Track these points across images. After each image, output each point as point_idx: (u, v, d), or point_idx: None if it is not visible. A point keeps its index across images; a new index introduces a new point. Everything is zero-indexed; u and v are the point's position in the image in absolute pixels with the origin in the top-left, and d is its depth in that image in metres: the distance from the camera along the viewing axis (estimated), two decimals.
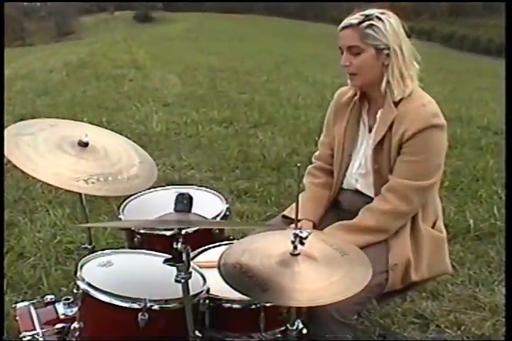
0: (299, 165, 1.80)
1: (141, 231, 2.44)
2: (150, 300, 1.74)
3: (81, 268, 1.91)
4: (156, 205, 2.42)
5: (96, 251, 2.40)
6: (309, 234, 1.66)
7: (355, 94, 2.46)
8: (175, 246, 1.59)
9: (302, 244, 1.66)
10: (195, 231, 2.34)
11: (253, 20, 64.39)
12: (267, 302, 1.81)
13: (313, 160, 2.73)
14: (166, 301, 1.78)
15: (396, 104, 2.28)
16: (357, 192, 2.48)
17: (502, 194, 5.05)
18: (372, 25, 2.21)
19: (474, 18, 62.44)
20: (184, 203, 1.56)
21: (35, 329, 2.16)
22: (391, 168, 2.32)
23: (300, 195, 2.55)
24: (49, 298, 2.38)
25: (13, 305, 2.76)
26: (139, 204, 2.72)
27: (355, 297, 2.09)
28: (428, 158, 2.26)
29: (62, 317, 2.24)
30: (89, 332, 1.87)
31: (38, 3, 71.10)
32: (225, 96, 10.26)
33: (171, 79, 12.53)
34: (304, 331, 1.92)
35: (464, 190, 5.03)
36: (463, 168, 5.74)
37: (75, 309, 2.25)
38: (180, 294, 1.73)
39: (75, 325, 1.89)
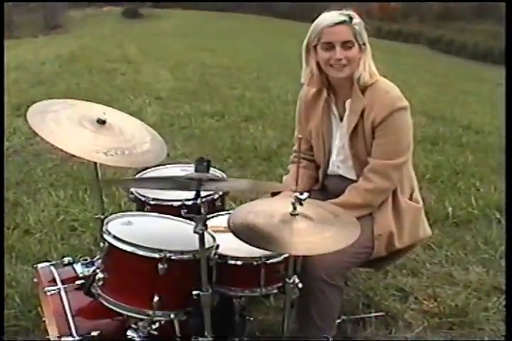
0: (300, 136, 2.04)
1: (152, 202, 2.70)
2: (169, 251, 2.00)
3: (106, 224, 2.17)
4: None
5: None
6: (308, 196, 1.93)
7: (318, 91, 2.71)
8: (195, 201, 1.86)
9: (301, 204, 1.93)
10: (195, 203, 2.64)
11: (242, 18, 64.45)
12: (272, 251, 2.07)
13: (293, 154, 2.97)
14: (183, 252, 2.04)
15: (362, 92, 2.55)
16: (340, 177, 2.76)
17: (479, 186, 5.39)
18: (359, 23, 2.48)
19: (462, 22, 63.05)
20: (203, 165, 1.82)
21: (56, 284, 2.41)
22: (368, 151, 2.59)
23: (284, 177, 2.86)
24: (66, 259, 2.62)
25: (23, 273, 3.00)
26: None
27: (342, 261, 2.40)
28: (399, 138, 2.53)
29: (80, 275, 2.48)
30: (113, 280, 2.12)
31: None
32: (217, 92, 10.50)
33: (162, 73, 12.74)
34: (300, 285, 2.18)
35: (444, 182, 5.33)
36: (444, 163, 6.06)
37: (92, 268, 2.51)
38: (194, 248, 2.00)
39: (99, 275, 2.14)
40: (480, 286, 3.48)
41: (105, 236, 2.10)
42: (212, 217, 2.56)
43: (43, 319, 2.82)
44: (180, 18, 53.86)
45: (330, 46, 2.47)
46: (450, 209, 4.58)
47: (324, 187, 2.84)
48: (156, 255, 2.00)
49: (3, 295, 3.16)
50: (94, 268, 2.52)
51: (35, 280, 2.74)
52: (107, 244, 2.09)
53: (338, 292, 2.50)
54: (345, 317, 2.87)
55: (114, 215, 2.33)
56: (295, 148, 2.95)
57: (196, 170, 1.83)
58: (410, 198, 2.68)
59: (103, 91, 9.83)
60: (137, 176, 2.94)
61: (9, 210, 4.42)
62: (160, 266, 1.99)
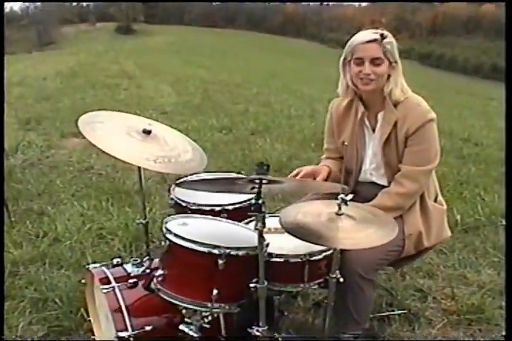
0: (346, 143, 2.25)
1: (193, 207, 2.89)
2: (227, 247, 2.20)
3: (165, 224, 2.37)
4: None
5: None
6: (352, 197, 2.14)
7: (350, 103, 2.94)
8: (256, 201, 2.07)
9: (346, 204, 2.13)
10: (236, 208, 2.85)
11: (233, 34, 65.15)
12: (323, 245, 2.26)
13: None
14: (240, 248, 2.24)
15: (395, 106, 2.78)
16: (372, 183, 2.97)
17: (484, 195, 5.63)
18: (390, 42, 2.71)
19: (451, 37, 63.93)
20: (264, 168, 2.02)
21: (110, 283, 2.59)
22: (399, 158, 2.81)
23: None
24: (115, 261, 2.80)
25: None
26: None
27: (376, 258, 2.60)
28: (429, 146, 2.76)
29: (132, 274, 2.67)
30: (173, 276, 2.30)
31: (20, 12, 71.28)
32: (220, 106, 10.76)
33: (164, 89, 12.98)
34: (341, 280, 2.38)
35: (451, 192, 5.55)
36: (448, 174, 6.28)
37: (142, 269, 2.70)
38: (247, 245, 2.20)
39: (160, 272, 2.33)
40: (493, 287, 3.69)
41: (167, 234, 2.29)
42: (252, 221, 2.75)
43: (88, 319, 3.01)
44: (173, 33, 54.35)
45: (360, 61, 2.69)
46: (459, 217, 4.80)
47: (355, 193, 3.04)
48: (216, 251, 2.20)
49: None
50: (144, 268, 2.71)
51: (83, 281, 2.93)
52: (167, 242, 2.28)
53: (372, 287, 2.72)
54: (372, 314, 3.05)
55: (169, 217, 2.52)
56: (323, 157, 3.19)
57: (257, 173, 2.03)
58: (435, 201, 2.92)
59: (109, 105, 10.00)
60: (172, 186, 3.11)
61: (34, 220, 4.59)
62: (220, 261, 2.18)
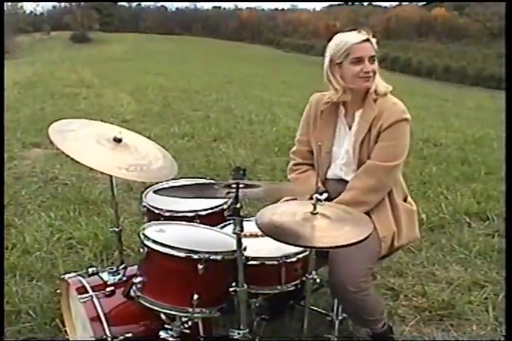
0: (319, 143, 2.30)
1: (166, 214, 2.91)
2: (206, 252, 2.23)
3: (143, 231, 2.38)
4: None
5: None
6: (327, 196, 2.19)
7: (328, 99, 2.95)
8: (234, 205, 2.10)
9: (321, 204, 2.17)
10: (208, 214, 2.89)
11: (189, 41, 65.12)
12: (301, 246, 2.30)
13: (291, 155, 3.19)
14: (219, 253, 2.27)
15: (374, 101, 2.83)
16: (340, 180, 2.99)
17: (447, 194, 5.75)
18: (374, 41, 2.79)
19: (405, 41, 64.99)
20: (240, 173, 2.05)
21: (88, 292, 2.59)
22: (369, 154, 2.85)
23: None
24: (90, 270, 2.81)
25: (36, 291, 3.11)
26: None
27: (363, 269, 2.67)
28: (397, 144, 2.81)
29: (109, 283, 2.67)
30: (153, 283, 2.31)
31: None
32: (181, 113, 10.75)
33: (123, 97, 12.88)
34: (318, 280, 2.43)
35: (415, 192, 5.64)
36: (411, 174, 6.40)
37: (118, 277, 2.71)
38: (225, 249, 2.24)
39: (138, 279, 2.34)
40: (461, 282, 3.80)
41: (145, 241, 2.30)
42: (227, 225, 2.79)
43: (64, 329, 3.00)
44: (129, 41, 54.12)
45: (359, 60, 2.73)
46: (424, 216, 4.90)
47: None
48: (195, 256, 2.22)
49: (3, 294, 3.32)
50: (120, 275, 2.71)
51: (58, 291, 2.92)
52: (146, 249, 2.29)
53: (370, 292, 2.74)
54: (346, 315, 3.10)
55: (145, 224, 2.53)
56: (294, 149, 3.17)
57: (234, 178, 2.06)
58: (405, 201, 2.98)
59: (69, 115, 9.75)
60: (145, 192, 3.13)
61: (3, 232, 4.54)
62: (199, 266, 2.21)
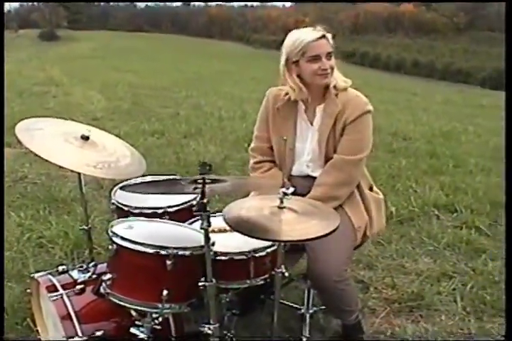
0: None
1: (135, 211, 2.90)
2: (174, 248, 2.24)
3: (111, 228, 2.39)
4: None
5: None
6: (294, 190, 2.21)
7: (286, 95, 2.93)
8: (201, 200, 2.11)
9: (287, 198, 2.19)
10: (177, 210, 2.89)
11: (159, 38, 64.73)
12: (270, 240, 2.32)
13: (250, 152, 3.16)
14: (187, 248, 2.28)
15: (336, 96, 2.84)
16: (307, 177, 3.00)
17: (415, 187, 5.84)
18: (330, 37, 2.80)
19: (373, 35, 65.38)
20: (206, 168, 2.06)
21: (58, 290, 2.58)
22: (336, 148, 2.87)
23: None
24: (60, 268, 2.80)
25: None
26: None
27: (343, 259, 2.72)
28: (362, 137, 2.84)
29: (79, 280, 2.67)
30: (122, 279, 2.31)
31: None
32: (150, 111, 10.72)
33: (92, 95, 12.79)
34: (286, 274, 2.45)
35: (384, 185, 5.70)
36: (380, 168, 6.46)
37: (88, 274, 2.71)
38: (194, 245, 2.26)
39: (108, 276, 2.33)
40: (430, 273, 3.87)
41: (113, 238, 2.30)
42: (196, 221, 2.79)
43: (36, 328, 2.98)
44: (98, 38, 53.54)
45: (316, 58, 2.73)
46: (393, 209, 4.97)
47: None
48: (164, 252, 2.23)
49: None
50: (90, 273, 2.71)
51: (28, 290, 2.91)
52: (114, 246, 2.30)
53: (349, 282, 2.84)
54: (316, 308, 3.13)
55: (114, 221, 2.53)
56: (253, 146, 3.14)
57: (200, 173, 2.07)
58: (371, 190, 3.02)
59: (38, 114, 9.72)
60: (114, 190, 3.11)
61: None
62: (168, 261, 2.22)
